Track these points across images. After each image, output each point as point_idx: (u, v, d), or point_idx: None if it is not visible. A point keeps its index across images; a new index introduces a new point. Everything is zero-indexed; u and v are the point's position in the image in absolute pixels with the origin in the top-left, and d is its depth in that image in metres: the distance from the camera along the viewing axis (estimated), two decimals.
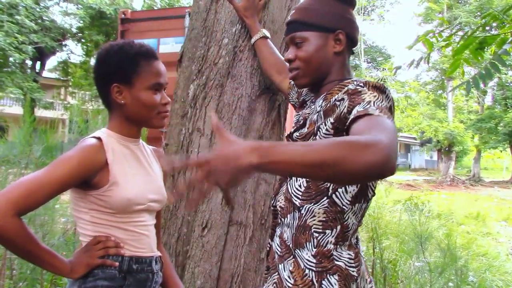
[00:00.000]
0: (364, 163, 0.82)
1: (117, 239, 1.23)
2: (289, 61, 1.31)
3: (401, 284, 3.71)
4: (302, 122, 1.31)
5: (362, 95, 1.09)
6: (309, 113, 1.31)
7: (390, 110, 1.11)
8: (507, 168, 32.34)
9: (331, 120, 1.16)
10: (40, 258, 1.13)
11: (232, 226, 1.94)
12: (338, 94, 1.19)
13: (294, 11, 1.33)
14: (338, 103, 1.15)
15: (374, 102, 1.06)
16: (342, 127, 1.13)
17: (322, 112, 1.21)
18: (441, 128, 22.91)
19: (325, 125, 1.18)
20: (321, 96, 1.27)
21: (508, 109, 22.28)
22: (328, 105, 1.20)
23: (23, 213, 1.06)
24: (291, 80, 1.44)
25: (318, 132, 1.20)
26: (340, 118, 1.13)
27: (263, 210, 2.01)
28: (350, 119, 1.02)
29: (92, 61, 19.84)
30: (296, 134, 1.30)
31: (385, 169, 0.84)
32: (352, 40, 1.31)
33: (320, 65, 1.27)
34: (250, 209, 1.96)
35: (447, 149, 23.73)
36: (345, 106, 1.11)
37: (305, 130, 1.27)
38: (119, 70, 1.24)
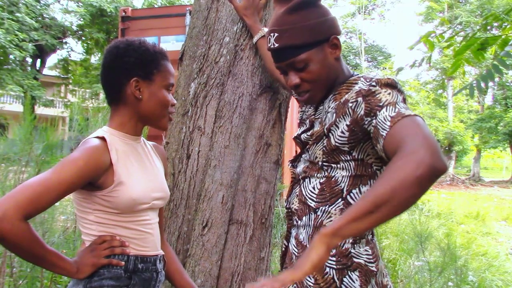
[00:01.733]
0: (413, 183, 0.86)
1: (122, 238, 1.23)
2: (296, 86, 1.24)
3: (401, 284, 3.71)
4: (309, 124, 1.30)
5: (377, 95, 1.09)
6: (314, 115, 1.30)
7: (405, 102, 1.12)
8: (507, 168, 32.32)
9: (347, 122, 1.15)
10: (46, 261, 1.12)
11: (232, 225, 1.94)
12: (348, 93, 1.18)
13: (276, 34, 1.21)
14: (352, 105, 1.14)
15: (392, 101, 1.07)
16: (358, 129, 1.13)
17: (333, 113, 1.20)
18: (441, 128, 22.89)
19: (338, 128, 1.17)
20: (330, 97, 1.25)
21: (508, 109, 22.25)
22: (339, 105, 1.19)
23: (30, 216, 1.05)
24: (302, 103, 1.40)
25: (330, 134, 1.19)
26: (357, 120, 1.13)
27: (264, 209, 2.01)
28: (388, 129, 1.02)
29: (93, 59, 19.84)
30: (305, 135, 1.29)
31: (436, 170, 0.87)
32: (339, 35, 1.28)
33: (328, 77, 1.24)
34: (250, 208, 1.96)
35: (447, 148, 23.71)
36: (362, 109, 1.11)
37: (315, 131, 1.26)
38: (142, 65, 1.25)
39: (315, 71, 1.21)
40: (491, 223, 8.99)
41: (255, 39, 1.91)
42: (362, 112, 1.10)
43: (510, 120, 21.14)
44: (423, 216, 4.90)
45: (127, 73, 1.24)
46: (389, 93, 1.09)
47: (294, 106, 6.12)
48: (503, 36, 2.23)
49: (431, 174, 0.86)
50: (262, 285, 0.90)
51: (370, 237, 1.25)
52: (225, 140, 1.95)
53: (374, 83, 1.12)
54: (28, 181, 1.08)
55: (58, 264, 1.15)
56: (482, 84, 2.17)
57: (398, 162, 0.90)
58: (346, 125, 1.15)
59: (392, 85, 1.12)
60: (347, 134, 1.15)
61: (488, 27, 2.72)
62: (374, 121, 1.07)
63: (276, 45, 1.22)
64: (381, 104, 1.07)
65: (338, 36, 1.27)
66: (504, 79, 21.45)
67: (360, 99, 1.12)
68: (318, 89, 1.25)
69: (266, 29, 1.88)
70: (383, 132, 1.03)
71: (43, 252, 1.10)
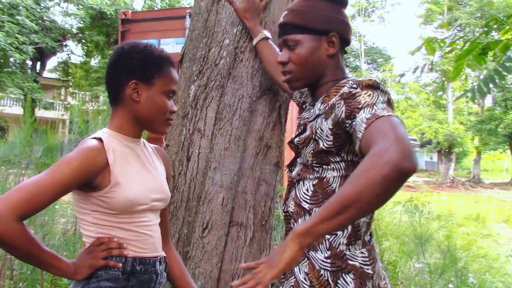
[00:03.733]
0: (380, 183, 0.86)
1: (120, 240, 1.23)
2: (282, 63, 1.29)
3: (401, 286, 3.71)
4: (303, 127, 1.31)
5: (357, 98, 1.10)
6: (308, 118, 1.30)
7: (389, 102, 1.11)
8: (507, 170, 32.34)
9: (329, 126, 1.16)
10: (43, 261, 1.13)
11: (232, 227, 1.94)
12: (335, 96, 1.19)
13: (286, 12, 1.30)
14: (335, 107, 1.15)
15: (371, 102, 1.07)
16: (341, 132, 1.14)
17: (321, 116, 1.21)
18: (441, 130, 22.92)
19: (323, 131, 1.18)
20: (319, 99, 1.27)
21: (508, 111, 22.26)
22: (327, 108, 1.20)
23: (25, 217, 1.05)
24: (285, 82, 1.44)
25: (317, 137, 1.20)
26: (338, 123, 1.13)
27: (264, 211, 2.01)
28: (363, 131, 1.02)
29: (93, 62, 19.85)
30: (296, 139, 1.30)
31: (404, 170, 0.86)
32: (345, 40, 1.30)
33: (314, 68, 1.26)
34: (250, 210, 1.96)
35: (447, 150, 23.72)
36: (342, 111, 1.12)
37: (305, 135, 1.27)
38: (143, 67, 1.25)
39: (302, 55, 1.25)
40: (491, 225, 9.00)
41: (255, 41, 1.91)
42: (343, 115, 1.11)
43: (510, 122, 21.15)
44: (423, 218, 4.91)
45: (128, 74, 1.25)
46: (369, 95, 1.09)
47: (294, 108, 6.12)
48: (504, 40, 2.23)
49: (398, 174, 0.85)
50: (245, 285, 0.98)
51: (367, 238, 1.25)
52: (225, 142, 1.95)
53: (355, 85, 1.13)
54: (23, 182, 1.09)
55: (55, 264, 1.15)
56: (485, 88, 2.17)
57: (366, 162, 0.90)
58: (329, 128, 1.16)
59: (373, 86, 1.12)
60: (331, 137, 1.17)
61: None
62: (353, 123, 1.08)
63: (281, 20, 1.30)
64: (360, 106, 1.07)
65: (347, 45, 1.31)
66: (504, 81, 21.45)
67: (341, 102, 1.13)
68: (300, 74, 1.28)
69: (265, 31, 1.88)
70: (359, 134, 1.03)
71: (40, 252, 1.11)
